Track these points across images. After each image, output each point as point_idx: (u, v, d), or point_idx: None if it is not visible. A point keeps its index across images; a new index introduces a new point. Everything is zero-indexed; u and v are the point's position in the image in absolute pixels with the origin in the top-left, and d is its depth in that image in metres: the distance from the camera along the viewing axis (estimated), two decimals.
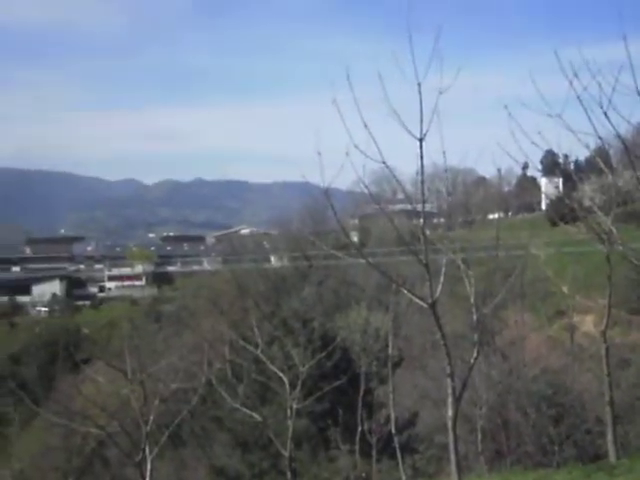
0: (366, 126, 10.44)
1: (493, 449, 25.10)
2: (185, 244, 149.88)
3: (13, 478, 28.29)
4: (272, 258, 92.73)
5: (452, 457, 11.56)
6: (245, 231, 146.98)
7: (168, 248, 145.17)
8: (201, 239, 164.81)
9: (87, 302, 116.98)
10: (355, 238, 69.30)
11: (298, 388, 18.55)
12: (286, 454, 18.18)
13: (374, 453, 20.43)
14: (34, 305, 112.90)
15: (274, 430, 21.22)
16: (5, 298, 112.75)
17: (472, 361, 12.42)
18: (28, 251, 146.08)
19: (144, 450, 16.52)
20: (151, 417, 17.07)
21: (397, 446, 20.08)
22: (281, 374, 19.26)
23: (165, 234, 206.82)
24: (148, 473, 16.39)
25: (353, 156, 10.52)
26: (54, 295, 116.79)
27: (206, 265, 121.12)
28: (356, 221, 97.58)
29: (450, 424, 11.42)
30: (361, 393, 20.85)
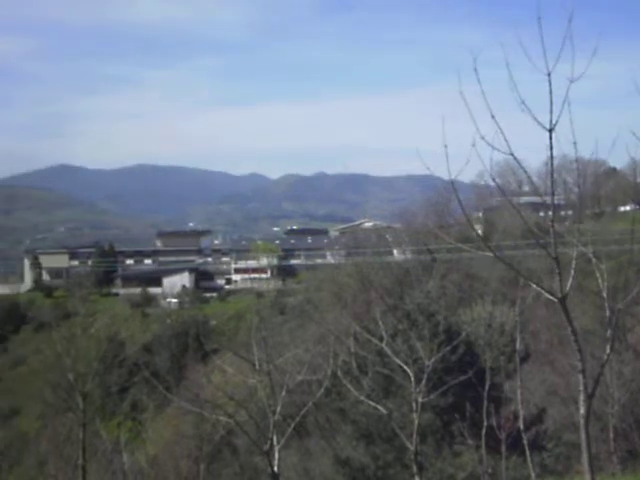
0: (493, 117, 10.27)
1: (625, 449, 24.27)
2: (308, 237, 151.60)
3: (147, 463, 29.46)
4: (395, 251, 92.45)
5: (585, 456, 11.25)
6: (368, 224, 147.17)
7: (292, 241, 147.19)
8: (324, 232, 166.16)
9: (214, 294, 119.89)
10: (479, 231, 68.24)
11: (423, 382, 18.48)
12: (411, 448, 18.14)
13: (503, 449, 20.10)
14: (165, 297, 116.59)
15: (399, 423, 21.22)
16: (138, 289, 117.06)
17: (605, 357, 12.05)
18: (159, 244, 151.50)
19: (272, 440, 16.90)
20: (278, 407, 17.43)
21: (526, 443, 19.70)
22: (406, 367, 19.23)
23: (289, 227, 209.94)
24: (276, 462, 16.74)
25: (478, 148, 10.36)
26: (184, 287, 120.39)
27: (329, 258, 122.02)
28: (480, 214, 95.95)
29: (582, 422, 11.11)
30: (487, 388, 20.54)
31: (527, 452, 20.31)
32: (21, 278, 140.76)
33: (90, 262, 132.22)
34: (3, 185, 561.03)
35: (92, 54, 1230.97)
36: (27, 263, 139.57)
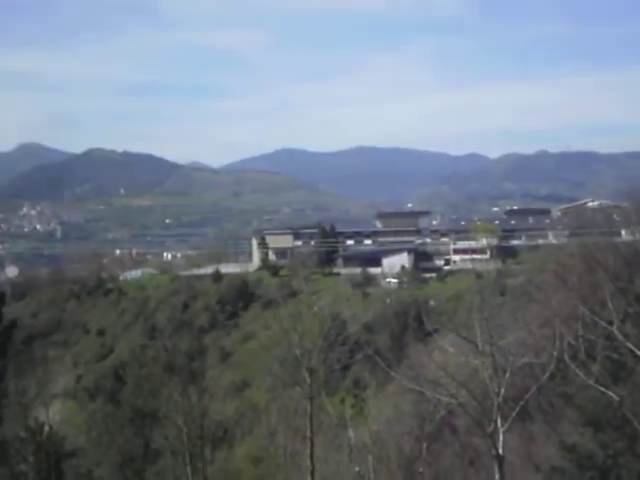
0: None
1: None
2: (529, 217, 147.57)
3: (371, 437, 30.26)
4: (623, 232, 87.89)
5: None
6: (593, 204, 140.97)
7: (512, 222, 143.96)
8: (546, 212, 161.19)
9: (433, 274, 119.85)
10: None
11: None
12: None
13: None
14: (384, 277, 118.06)
15: (630, 410, 20.30)
16: (359, 269, 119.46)
17: None
18: (379, 225, 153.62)
19: (495, 422, 16.80)
20: (502, 389, 17.27)
21: None
22: (638, 352, 18.35)
23: (508, 208, 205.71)
24: (500, 444, 16.63)
25: None
26: (403, 267, 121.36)
27: (551, 239, 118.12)
28: None
29: None
30: None
31: None
32: (250, 257, 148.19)
33: (313, 242, 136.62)
34: (234, 169, 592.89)
35: (315, 42, 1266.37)
36: (255, 243, 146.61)
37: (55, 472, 41.02)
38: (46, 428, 43.38)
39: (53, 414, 49.06)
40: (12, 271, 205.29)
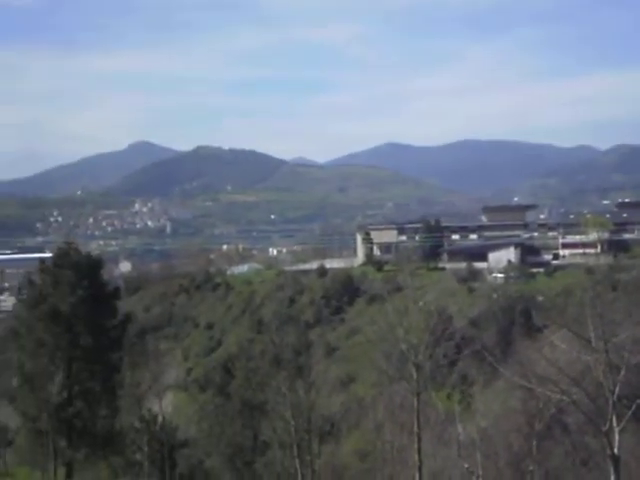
0: None
1: None
2: None
3: (479, 433, 29.97)
4: None
5: None
6: None
7: (624, 215, 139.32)
8: None
9: (541, 269, 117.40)
10: None
11: None
12: None
13: None
14: (490, 272, 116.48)
15: None
16: (464, 264, 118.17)
17: None
18: (484, 219, 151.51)
19: (611, 420, 16.39)
20: (617, 387, 16.85)
21: None
22: None
23: (620, 200, 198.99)
24: (616, 444, 16.23)
25: None
26: (509, 262, 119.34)
27: None
28: None
29: None
30: None
31: None
32: (354, 253, 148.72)
33: (417, 237, 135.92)
34: (339, 165, 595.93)
35: (417, 34, 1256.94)
36: (359, 238, 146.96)
37: (169, 461, 42.34)
38: (159, 419, 44.83)
39: (165, 405, 50.46)
40: (125, 266, 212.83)
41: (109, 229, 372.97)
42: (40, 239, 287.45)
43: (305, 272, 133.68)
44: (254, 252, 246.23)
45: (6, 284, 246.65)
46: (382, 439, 40.34)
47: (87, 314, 37.80)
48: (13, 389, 43.81)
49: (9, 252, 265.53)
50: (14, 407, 41.66)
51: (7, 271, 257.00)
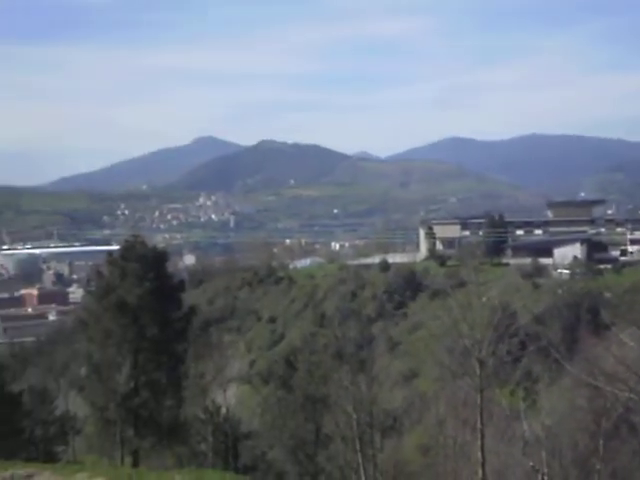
0: None
1: None
2: None
3: (544, 431, 29.57)
4: None
5: None
6: None
7: None
8: None
9: (608, 266, 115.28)
10: None
11: None
12: None
13: None
14: (555, 267, 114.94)
15: None
16: (528, 260, 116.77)
17: None
18: (549, 215, 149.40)
19: None
20: None
21: None
22: None
23: None
24: None
25: None
26: (575, 258, 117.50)
27: None
28: None
29: None
30: None
31: None
32: (417, 247, 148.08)
33: (480, 232, 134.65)
34: (401, 159, 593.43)
35: (481, 27, 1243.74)
36: (422, 233, 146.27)
37: (232, 452, 42.85)
38: (223, 410, 45.37)
39: (229, 397, 51.03)
40: (190, 259, 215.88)
41: (174, 222, 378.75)
42: (107, 232, 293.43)
43: (367, 266, 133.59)
44: (316, 246, 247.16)
45: (75, 276, 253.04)
46: (444, 435, 40.18)
47: (153, 306, 38.32)
48: (82, 379, 44.70)
49: (78, 245, 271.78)
50: (83, 396, 42.48)
51: (76, 263, 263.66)
